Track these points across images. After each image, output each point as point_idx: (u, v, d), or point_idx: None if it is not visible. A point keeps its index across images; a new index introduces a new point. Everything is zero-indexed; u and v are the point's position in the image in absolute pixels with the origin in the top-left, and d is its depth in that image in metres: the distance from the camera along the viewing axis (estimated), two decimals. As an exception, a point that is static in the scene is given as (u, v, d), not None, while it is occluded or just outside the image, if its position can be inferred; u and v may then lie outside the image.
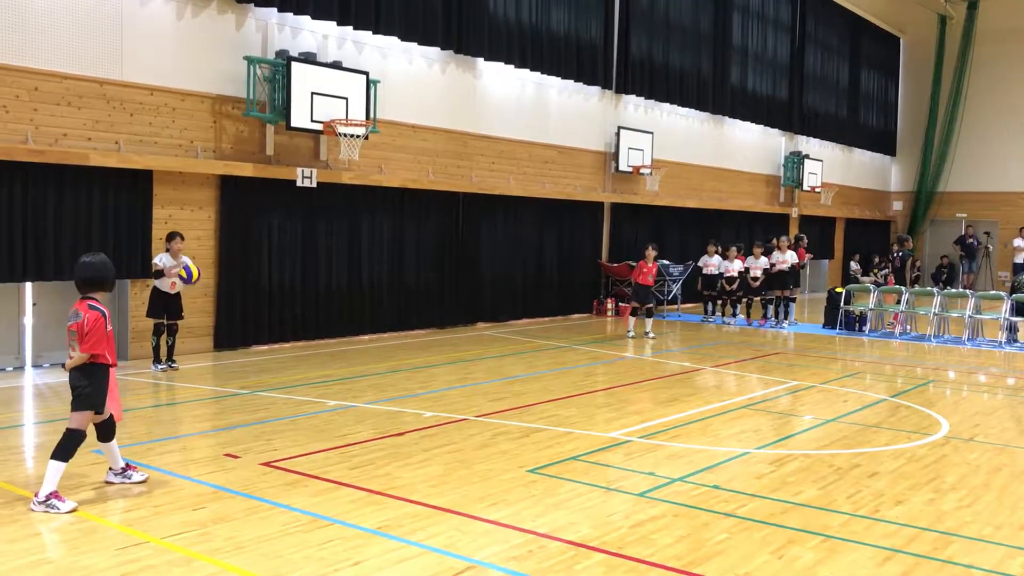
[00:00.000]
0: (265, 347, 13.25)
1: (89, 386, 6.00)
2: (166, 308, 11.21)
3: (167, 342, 11.27)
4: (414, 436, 8.07)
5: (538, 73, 17.70)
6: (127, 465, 6.44)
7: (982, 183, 30.75)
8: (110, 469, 6.40)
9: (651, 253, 15.70)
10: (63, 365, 6.19)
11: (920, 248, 31.67)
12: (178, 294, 11.25)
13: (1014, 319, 16.14)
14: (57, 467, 5.83)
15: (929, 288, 17.69)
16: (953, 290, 19.99)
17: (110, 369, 6.15)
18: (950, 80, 31.17)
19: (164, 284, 11.13)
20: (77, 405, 6.04)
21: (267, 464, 7.03)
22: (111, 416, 6.26)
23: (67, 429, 5.96)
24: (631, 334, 15.77)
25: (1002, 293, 16.46)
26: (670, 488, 6.66)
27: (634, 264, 16.52)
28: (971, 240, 29.31)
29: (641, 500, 6.34)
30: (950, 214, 31.23)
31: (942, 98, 31.36)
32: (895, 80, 32.83)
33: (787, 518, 6.01)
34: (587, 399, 10.23)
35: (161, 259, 11.16)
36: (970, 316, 16.42)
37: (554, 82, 18.25)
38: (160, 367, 11.15)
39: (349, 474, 6.80)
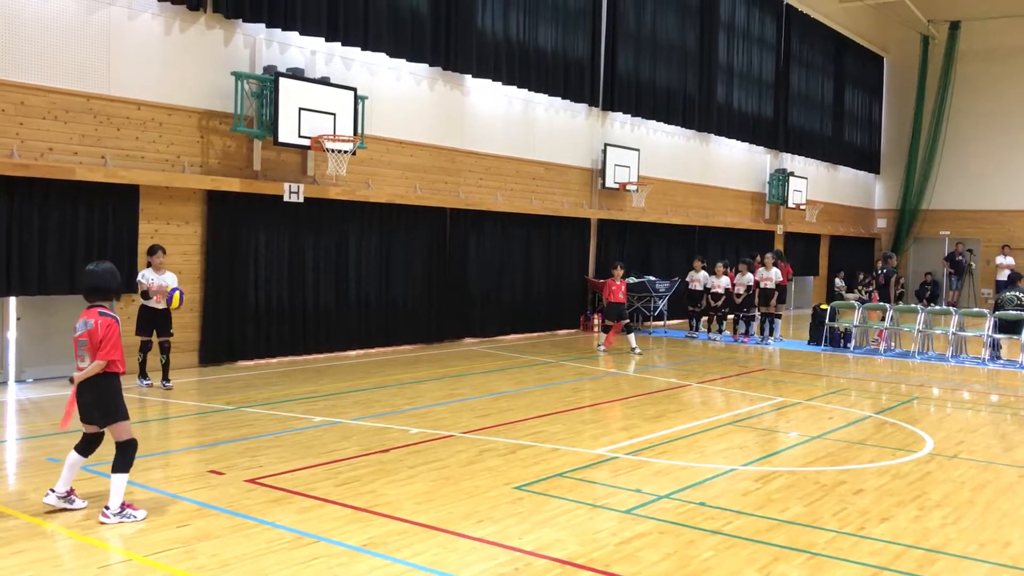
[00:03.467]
0: (251, 363, 13.20)
1: (103, 400, 6.00)
2: (154, 324, 11.03)
3: (161, 360, 11.02)
4: (400, 453, 8.05)
5: (525, 90, 17.78)
6: (71, 490, 6.22)
7: (965, 201, 31.02)
8: (52, 491, 6.15)
9: (618, 271, 16.01)
10: (70, 379, 6.07)
11: (904, 265, 31.91)
12: (166, 311, 11.00)
13: (997, 336, 16.25)
14: (121, 479, 5.93)
15: (913, 305, 17.79)
16: (937, 307, 20.11)
17: (119, 377, 6.12)
18: (933, 99, 31.48)
19: (150, 300, 10.98)
20: (104, 421, 6.05)
21: (252, 481, 6.99)
22: (104, 433, 6.19)
23: (117, 444, 6.01)
24: (602, 348, 16.05)
25: (985, 310, 16.58)
26: (656, 505, 6.66)
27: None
28: (960, 257, 29.54)
29: (627, 517, 6.34)
30: (933, 232, 31.47)
31: (925, 117, 31.66)
32: (879, 99, 33.13)
33: (773, 535, 6.03)
34: (574, 415, 10.23)
35: (144, 275, 11.01)
36: (954, 333, 16.53)
37: (541, 99, 18.33)
38: (146, 382, 11.01)
39: (335, 491, 6.78)
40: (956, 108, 30.93)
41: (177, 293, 10.53)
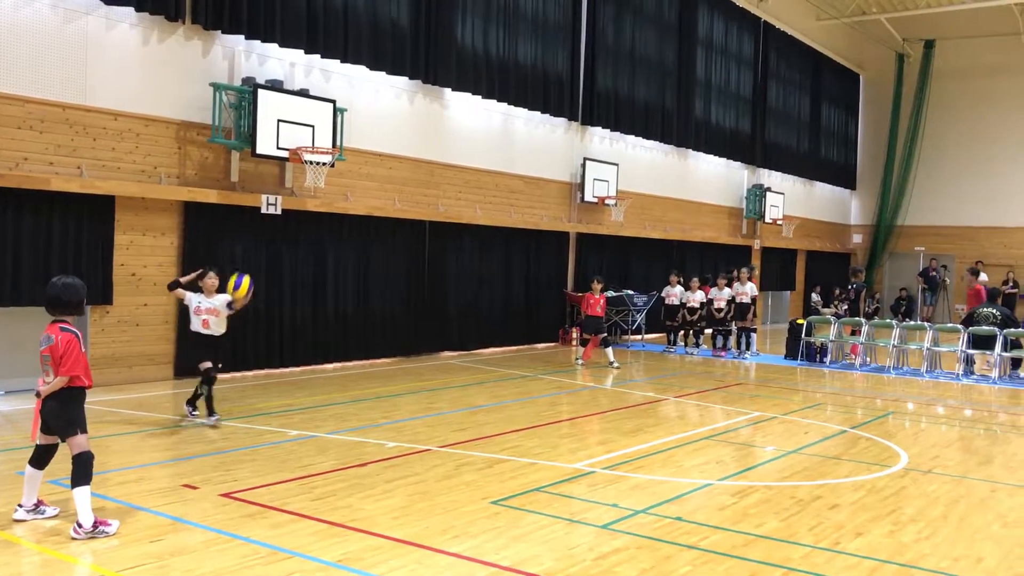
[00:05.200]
0: (227, 376, 13.09)
1: (66, 412, 5.97)
2: (215, 352, 9.73)
3: (201, 392, 9.67)
4: (376, 467, 8.01)
5: (505, 104, 17.83)
6: (39, 501, 6.20)
7: (939, 217, 31.36)
8: (20, 506, 6.13)
9: (596, 285, 16.11)
10: (37, 392, 6.04)
11: (879, 280, 32.21)
12: (219, 337, 9.74)
13: (971, 352, 16.41)
14: (84, 491, 5.84)
15: (888, 320, 17.94)
16: (912, 322, 20.28)
17: (85, 391, 6.10)
18: (908, 116, 31.86)
19: (196, 323, 9.64)
20: (64, 432, 5.99)
21: (226, 495, 6.93)
22: (57, 445, 6.13)
23: (73, 457, 5.93)
24: (580, 362, 16.12)
25: (959, 326, 16.75)
26: (633, 520, 6.66)
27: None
28: (934, 273, 29.83)
29: (604, 532, 6.33)
30: (908, 247, 31.78)
31: (900, 134, 32.03)
32: (855, 115, 33.48)
33: (749, 550, 6.04)
34: (551, 429, 10.22)
35: (193, 299, 9.63)
36: (928, 348, 16.67)
37: (521, 113, 18.38)
38: (195, 413, 9.78)
39: (310, 506, 6.73)
40: (931, 125, 31.31)
41: (246, 279, 9.51)
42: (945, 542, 6.40)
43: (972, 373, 16.35)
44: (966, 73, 30.83)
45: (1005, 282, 27.63)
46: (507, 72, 17.65)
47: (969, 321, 16.72)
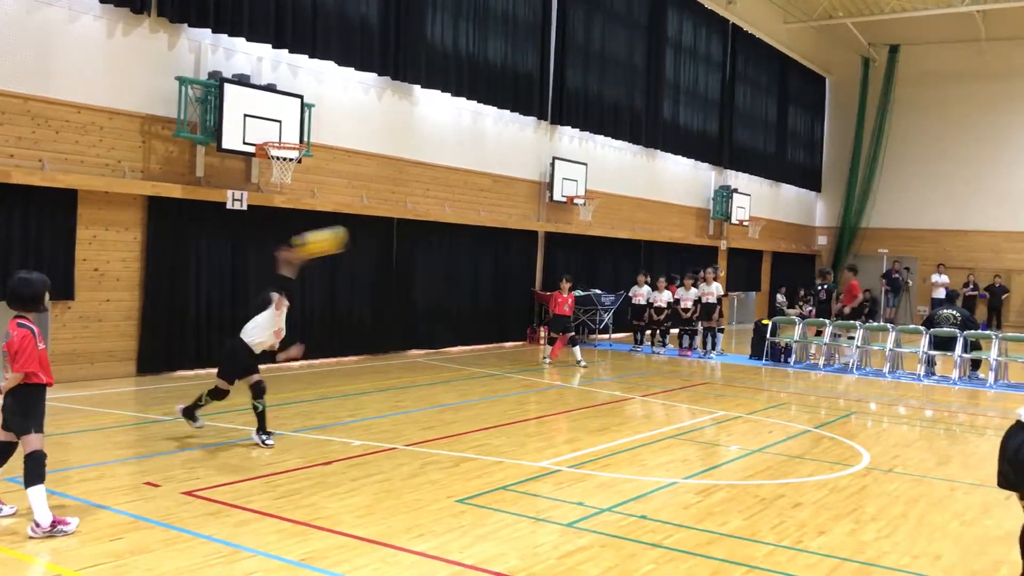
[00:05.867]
0: (191, 372, 12.95)
1: (22, 409, 5.88)
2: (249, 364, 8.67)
3: (258, 408, 8.57)
4: (341, 465, 7.96)
5: (475, 102, 17.80)
6: None
7: (903, 220, 31.82)
8: None
9: (565, 285, 16.17)
10: None
11: (844, 282, 32.54)
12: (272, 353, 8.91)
13: (932, 353, 16.64)
14: (39, 490, 5.74)
15: (852, 322, 18.17)
16: (875, 324, 20.54)
17: (44, 388, 6.00)
18: (873, 120, 32.27)
19: (269, 337, 8.67)
20: (19, 430, 5.91)
21: (188, 493, 6.85)
22: (16, 443, 6.02)
23: (24, 456, 5.83)
24: (547, 360, 16.14)
25: (921, 327, 16.99)
26: (598, 518, 6.67)
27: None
28: (897, 275, 30.24)
29: (569, 531, 6.34)
30: (872, 249, 32.18)
31: (865, 137, 32.44)
32: (821, 118, 33.84)
33: (713, 548, 6.08)
34: (518, 428, 10.22)
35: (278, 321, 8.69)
36: (891, 349, 16.88)
37: (490, 111, 18.36)
38: (198, 424, 8.87)
39: (273, 504, 6.67)
40: (896, 129, 31.75)
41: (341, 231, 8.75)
42: (905, 540, 6.49)
43: (933, 374, 16.59)
44: (930, 78, 31.30)
45: (966, 284, 28.09)
46: (477, 70, 17.62)
47: (930, 323, 16.95)
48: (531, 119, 19.48)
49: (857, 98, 32.74)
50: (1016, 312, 29.23)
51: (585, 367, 15.73)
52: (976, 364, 16.68)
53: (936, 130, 31.19)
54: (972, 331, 16.55)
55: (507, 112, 18.71)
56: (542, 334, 19.33)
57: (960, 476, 8.70)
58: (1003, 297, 28.34)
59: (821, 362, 17.62)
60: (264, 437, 8.55)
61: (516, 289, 19.31)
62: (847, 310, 19.28)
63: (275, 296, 8.62)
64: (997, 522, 7.00)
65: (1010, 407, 13.55)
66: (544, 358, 16.44)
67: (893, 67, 31.86)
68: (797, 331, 18.03)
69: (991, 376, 15.92)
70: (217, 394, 8.72)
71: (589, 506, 6.98)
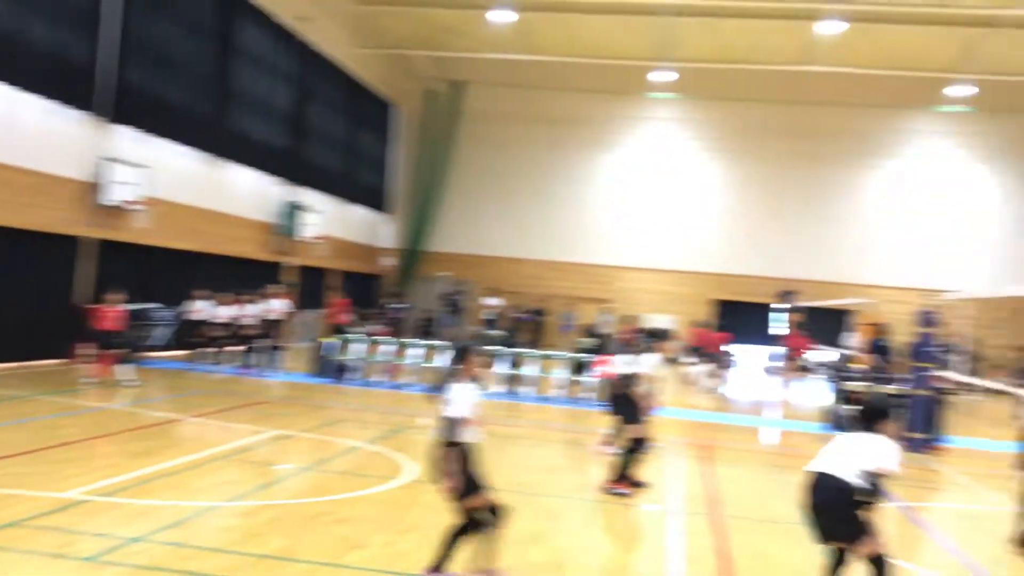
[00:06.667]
0: None
1: None
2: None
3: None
4: None
5: (9, 86, 15.74)
6: None
7: (463, 246, 34.20)
8: None
9: (114, 297, 14.97)
10: None
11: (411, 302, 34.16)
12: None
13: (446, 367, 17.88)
14: None
15: (413, 340, 19.00)
16: (437, 342, 21.69)
17: None
18: (438, 149, 34.31)
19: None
20: None
21: None
22: None
23: None
24: (90, 380, 14.71)
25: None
26: (126, 549, 6.13)
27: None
28: (456, 297, 32.33)
29: (88, 565, 5.74)
30: (434, 272, 34.10)
31: (429, 165, 34.36)
32: (390, 143, 35.21)
33: (250, 571, 5.86)
34: (47, 455, 9.12)
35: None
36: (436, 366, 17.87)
37: (30, 99, 16.37)
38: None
39: None
40: (463, 161, 34.08)
41: None
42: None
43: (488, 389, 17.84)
44: (495, 116, 34.13)
45: (514, 307, 30.91)
46: (15, 51, 15.64)
47: (477, 340, 18.29)
48: (81, 113, 17.69)
49: (421, 127, 34.65)
50: (552, 332, 32.65)
51: (136, 387, 14.58)
52: (518, 379, 18.30)
53: (498, 165, 34.09)
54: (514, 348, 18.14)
55: (53, 103, 16.82)
56: (86, 351, 17.60)
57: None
58: (542, 319, 31.64)
59: (385, 379, 18.14)
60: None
61: (55, 301, 17.35)
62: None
63: None
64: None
65: (548, 419, 15.05)
66: (85, 378, 14.88)
67: (458, 101, 34.18)
68: (360, 349, 18.40)
69: (531, 389, 17.56)
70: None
71: (117, 536, 6.40)
